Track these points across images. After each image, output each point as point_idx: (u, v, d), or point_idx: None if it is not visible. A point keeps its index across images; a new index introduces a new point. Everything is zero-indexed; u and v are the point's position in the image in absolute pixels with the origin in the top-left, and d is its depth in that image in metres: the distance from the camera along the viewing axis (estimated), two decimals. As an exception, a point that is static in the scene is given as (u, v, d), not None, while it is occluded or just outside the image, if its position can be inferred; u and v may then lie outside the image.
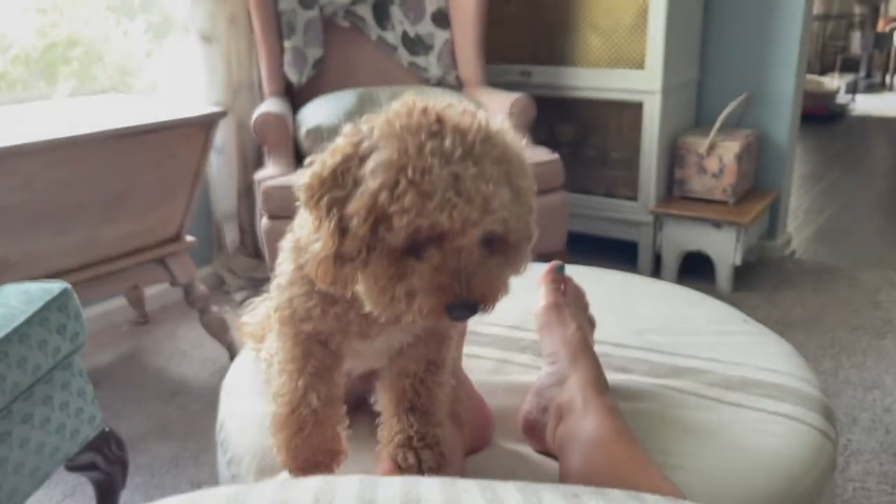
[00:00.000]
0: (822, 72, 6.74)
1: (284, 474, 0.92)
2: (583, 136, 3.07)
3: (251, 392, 1.17)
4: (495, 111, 2.03)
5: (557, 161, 2.51)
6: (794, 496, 0.94)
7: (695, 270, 2.84)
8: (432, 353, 0.89)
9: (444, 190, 0.66)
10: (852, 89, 6.92)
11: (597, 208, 3.03)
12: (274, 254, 0.91)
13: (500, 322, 1.36)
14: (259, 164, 2.87)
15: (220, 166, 2.83)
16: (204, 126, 2.05)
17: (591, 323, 1.15)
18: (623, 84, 2.84)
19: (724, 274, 2.77)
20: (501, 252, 0.73)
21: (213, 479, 1.58)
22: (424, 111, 0.71)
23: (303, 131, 2.57)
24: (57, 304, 1.33)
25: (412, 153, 0.68)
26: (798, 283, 2.86)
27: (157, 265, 2.15)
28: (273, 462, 1.01)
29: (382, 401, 0.92)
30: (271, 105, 2.65)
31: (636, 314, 1.39)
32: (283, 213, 2.24)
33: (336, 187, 0.71)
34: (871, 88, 7.65)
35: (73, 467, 1.51)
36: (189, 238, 2.22)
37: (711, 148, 2.77)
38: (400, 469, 0.86)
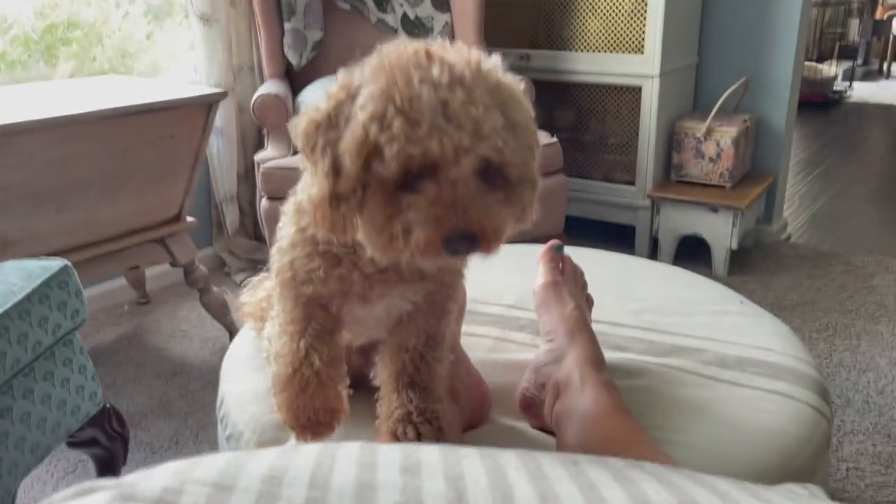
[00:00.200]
0: (820, 59, 6.72)
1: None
2: (581, 121, 3.08)
3: (251, 368, 1.17)
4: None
5: (556, 144, 2.53)
6: (789, 471, 0.95)
7: (691, 254, 2.85)
8: (431, 327, 0.89)
9: (433, 116, 0.65)
10: (850, 76, 6.92)
11: (595, 192, 3.04)
12: (274, 235, 0.91)
13: (499, 301, 1.37)
14: (259, 146, 2.87)
15: (221, 148, 2.82)
16: (204, 106, 2.05)
17: (588, 302, 1.16)
18: (622, 68, 2.84)
19: (720, 258, 2.79)
20: (501, 189, 0.72)
21: (213, 457, 1.59)
22: (415, 50, 0.70)
23: (302, 113, 2.56)
24: (57, 280, 1.34)
25: (400, 84, 0.67)
26: (793, 268, 2.87)
27: (158, 245, 2.16)
28: (272, 437, 1.02)
29: (381, 376, 0.92)
30: (271, 87, 2.65)
31: (634, 295, 1.40)
32: (282, 194, 2.22)
33: (330, 129, 0.71)
34: (869, 76, 7.65)
35: (74, 443, 1.53)
36: (189, 219, 2.22)
37: (709, 132, 2.77)
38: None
